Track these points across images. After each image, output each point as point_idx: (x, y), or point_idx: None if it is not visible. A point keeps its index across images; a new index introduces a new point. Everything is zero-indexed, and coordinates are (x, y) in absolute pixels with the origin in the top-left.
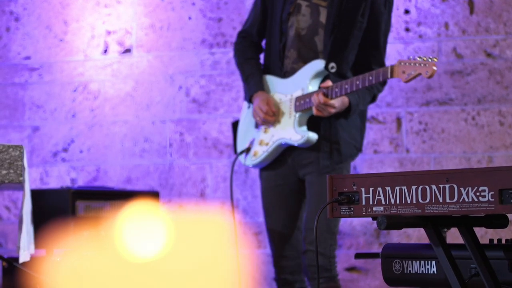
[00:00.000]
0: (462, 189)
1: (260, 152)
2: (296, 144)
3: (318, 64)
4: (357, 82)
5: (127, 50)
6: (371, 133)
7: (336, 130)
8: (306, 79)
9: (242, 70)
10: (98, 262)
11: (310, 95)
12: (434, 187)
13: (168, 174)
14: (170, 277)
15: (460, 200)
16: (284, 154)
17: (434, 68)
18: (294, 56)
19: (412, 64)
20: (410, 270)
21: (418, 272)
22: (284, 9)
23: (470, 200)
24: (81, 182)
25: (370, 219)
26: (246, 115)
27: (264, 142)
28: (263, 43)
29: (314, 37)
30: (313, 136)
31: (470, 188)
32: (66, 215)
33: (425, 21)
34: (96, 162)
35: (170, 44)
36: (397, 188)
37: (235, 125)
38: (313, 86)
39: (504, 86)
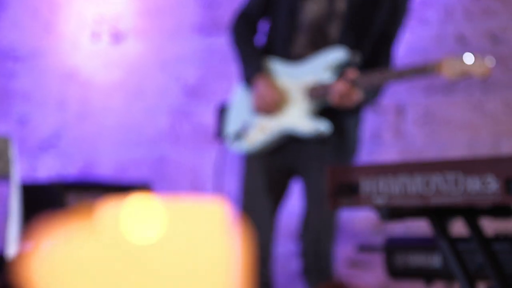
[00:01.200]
0: (467, 178)
1: (259, 138)
2: (304, 134)
3: (339, 54)
4: (391, 76)
5: (119, 37)
6: (373, 122)
7: (345, 126)
8: (323, 67)
9: (241, 50)
10: (88, 255)
11: (329, 83)
12: (438, 177)
13: (162, 164)
14: (162, 268)
15: (465, 191)
16: (280, 144)
17: (489, 69)
18: (303, 41)
19: (463, 62)
20: (413, 263)
21: (422, 264)
22: None
23: (476, 190)
24: (71, 173)
25: (372, 211)
26: (241, 98)
27: (265, 128)
28: (263, 27)
29: (327, 24)
30: (326, 127)
31: (475, 178)
32: (56, 209)
33: (429, 3)
34: (87, 153)
35: (163, 30)
36: (400, 178)
37: (222, 109)
38: (330, 75)
39: (511, 72)
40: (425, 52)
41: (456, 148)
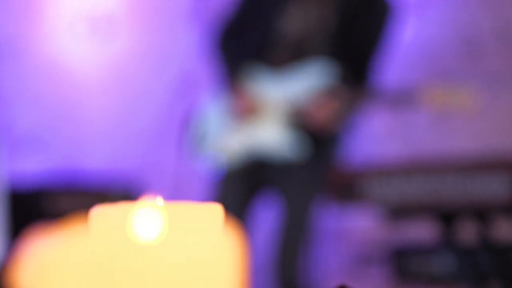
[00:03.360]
0: (475, 180)
1: (234, 152)
2: (274, 155)
3: (325, 68)
4: (374, 101)
5: (106, 30)
6: (378, 123)
7: (322, 145)
8: (308, 83)
9: (221, 58)
10: (82, 262)
11: (309, 109)
12: (445, 178)
13: (151, 167)
14: (159, 276)
15: (473, 192)
16: (253, 158)
17: (471, 101)
18: (286, 54)
19: (446, 94)
20: (421, 267)
21: (429, 269)
22: (278, 2)
23: (484, 192)
24: (52, 174)
25: (376, 218)
26: (215, 107)
27: (241, 142)
28: (247, 34)
29: (314, 35)
30: (296, 152)
31: (484, 180)
32: (44, 216)
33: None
34: (69, 154)
35: (153, 25)
36: (406, 179)
37: (191, 118)
38: (313, 92)
39: None
40: (428, 51)
41: (464, 149)
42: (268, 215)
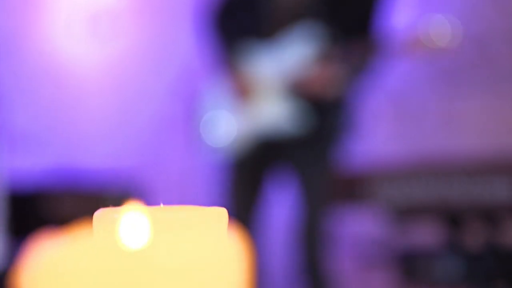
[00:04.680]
0: (482, 182)
1: (241, 137)
2: (280, 129)
3: (315, 33)
4: (383, 54)
5: (105, 29)
6: (384, 124)
7: (333, 111)
8: (300, 51)
9: (217, 41)
10: (86, 267)
11: (305, 77)
12: (452, 180)
13: (150, 167)
14: (164, 280)
15: (480, 195)
16: (265, 137)
17: (450, 38)
18: (279, 27)
19: (427, 39)
20: (428, 270)
21: (436, 272)
22: None
23: (491, 194)
24: (51, 174)
25: (382, 220)
26: (219, 94)
27: (245, 125)
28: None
29: (305, 7)
30: (301, 123)
31: (491, 182)
32: (37, 218)
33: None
34: (69, 153)
35: (153, 24)
36: (412, 181)
37: (199, 108)
38: (310, 59)
39: None
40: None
41: (472, 150)
42: (281, 201)
